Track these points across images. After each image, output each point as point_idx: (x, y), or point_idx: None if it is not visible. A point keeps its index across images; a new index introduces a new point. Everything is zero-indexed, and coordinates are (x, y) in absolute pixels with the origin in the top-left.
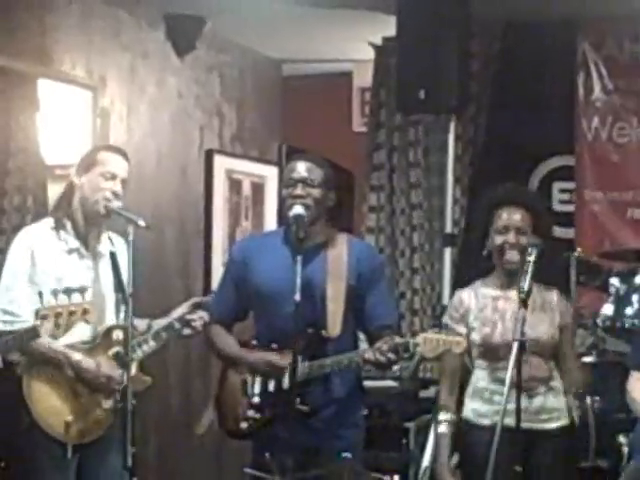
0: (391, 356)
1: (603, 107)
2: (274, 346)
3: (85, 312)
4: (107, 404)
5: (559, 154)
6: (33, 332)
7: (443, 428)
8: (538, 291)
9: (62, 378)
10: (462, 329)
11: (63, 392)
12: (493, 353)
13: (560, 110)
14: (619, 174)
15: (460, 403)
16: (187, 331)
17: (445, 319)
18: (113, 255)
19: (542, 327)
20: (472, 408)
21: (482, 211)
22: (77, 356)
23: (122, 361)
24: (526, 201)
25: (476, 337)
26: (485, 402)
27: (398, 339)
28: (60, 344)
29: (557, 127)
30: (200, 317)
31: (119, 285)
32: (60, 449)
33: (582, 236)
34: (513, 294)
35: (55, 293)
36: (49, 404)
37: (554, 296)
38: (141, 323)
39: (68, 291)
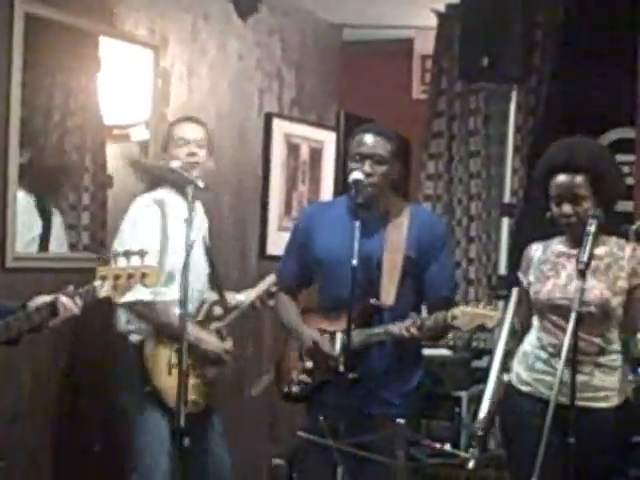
0: (415, 332)
1: None
2: (333, 314)
3: (144, 276)
4: (212, 373)
5: (620, 126)
6: (93, 291)
7: (504, 376)
8: (609, 249)
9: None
10: (525, 280)
11: (174, 362)
12: (540, 312)
13: (622, 82)
14: None
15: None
16: (271, 302)
17: (519, 271)
18: (204, 239)
19: (595, 290)
20: (516, 372)
21: (539, 177)
22: (201, 333)
23: (221, 335)
24: (582, 164)
25: (530, 292)
26: (527, 368)
27: (440, 313)
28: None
29: (619, 99)
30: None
31: (210, 261)
32: (170, 418)
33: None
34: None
35: (115, 255)
36: (167, 375)
37: (627, 253)
38: (231, 297)
39: (127, 254)
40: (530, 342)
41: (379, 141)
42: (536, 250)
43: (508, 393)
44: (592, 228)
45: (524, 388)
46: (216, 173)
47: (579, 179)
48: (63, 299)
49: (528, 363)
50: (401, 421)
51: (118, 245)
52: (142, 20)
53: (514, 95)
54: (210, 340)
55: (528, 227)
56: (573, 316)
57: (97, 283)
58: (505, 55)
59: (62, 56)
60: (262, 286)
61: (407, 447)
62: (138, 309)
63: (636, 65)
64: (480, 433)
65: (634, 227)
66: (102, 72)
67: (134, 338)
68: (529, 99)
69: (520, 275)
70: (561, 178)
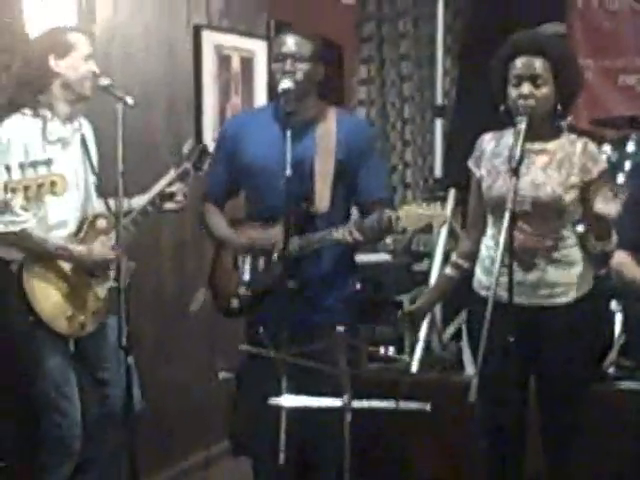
0: (357, 236)
1: None
2: (264, 224)
3: (53, 184)
4: (103, 293)
5: (550, 21)
6: (5, 206)
7: (445, 269)
8: (560, 144)
9: (60, 272)
10: (478, 172)
11: (62, 287)
12: (492, 209)
13: None
14: (610, 41)
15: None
16: (170, 205)
17: (469, 160)
18: (83, 139)
19: (547, 187)
20: (476, 278)
21: (497, 62)
22: (72, 245)
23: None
24: (544, 46)
25: (482, 186)
26: (484, 271)
27: (385, 213)
28: (57, 238)
29: None
30: (180, 189)
31: (92, 168)
32: (63, 343)
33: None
34: (535, 146)
35: (22, 167)
36: (51, 301)
37: (578, 148)
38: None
39: (34, 164)
40: (486, 244)
41: (300, 40)
42: (489, 141)
43: (471, 300)
44: (522, 125)
45: (483, 292)
46: (146, 88)
47: (540, 61)
48: None
49: (485, 266)
50: (341, 328)
51: None
52: None
53: None
54: (94, 249)
55: (462, 128)
56: (507, 215)
57: (8, 196)
58: None
59: None
60: (155, 189)
61: (348, 354)
62: (10, 238)
63: None
64: (406, 311)
65: (567, 122)
66: None
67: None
68: None
69: (471, 165)
70: (522, 59)
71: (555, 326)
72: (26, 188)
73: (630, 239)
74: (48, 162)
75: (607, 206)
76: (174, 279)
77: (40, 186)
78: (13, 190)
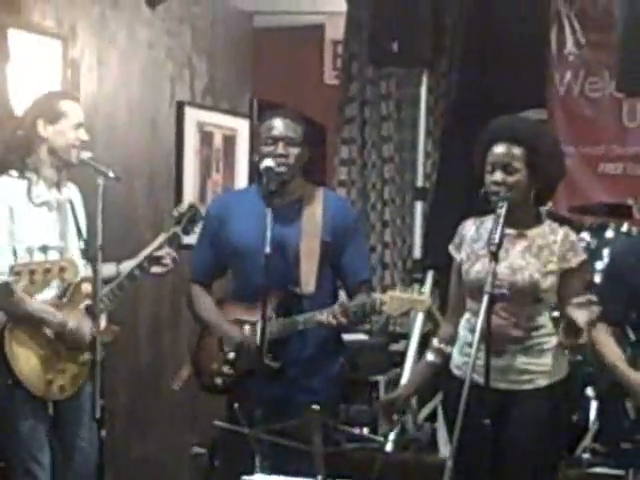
0: (341, 319)
1: (575, 61)
2: (251, 304)
3: (62, 270)
4: (83, 358)
5: (531, 108)
6: (6, 288)
7: (427, 355)
8: (541, 231)
9: (42, 335)
10: (458, 256)
11: (43, 349)
12: (470, 293)
13: (533, 64)
14: (591, 129)
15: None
16: (156, 269)
17: (450, 245)
18: (71, 204)
19: (525, 272)
20: (453, 355)
21: (478, 148)
22: (53, 311)
23: (93, 314)
24: (521, 134)
25: (462, 271)
26: (459, 352)
27: (365, 298)
28: (39, 301)
29: (529, 81)
30: (168, 253)
31: (79, 234)
32: (41, 406)
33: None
34: (514, 232)
35: (30, 250)
36: (31, 363)
37: (559, 237)
38: (109, 268)
39: (44, 248)
40: (463, 325)
41: (289, 124)
42: (470, 227)
43: (446, 377)
44: (502, 211)
45: (456, 372)
46: (128, 162)
47: (516, 150)
48: None
49: (459, 346)
50: (316, 406)
51: None
52: (49, 11)
53: (425, 79)
54: (75, 325)
55: (442, 211)
56: (485, 298)
57: (11, 279)
58: (414, 39)
59: None
60: (145, 252)
61: (323, 432)
62: None
63: (546, 48)
64: (384, 401)
65: (546, 208)
66: (11, 64)
67: None
68: (440, 82)
69: (452, 251)
70: (499, 147)
71: (522, 411)
72: (32, 272)
73: (610, 312)
74: (61, 248)
75: (578, 312)
76: (150, 353)
77: (47, 271)
78: (18, 273)
